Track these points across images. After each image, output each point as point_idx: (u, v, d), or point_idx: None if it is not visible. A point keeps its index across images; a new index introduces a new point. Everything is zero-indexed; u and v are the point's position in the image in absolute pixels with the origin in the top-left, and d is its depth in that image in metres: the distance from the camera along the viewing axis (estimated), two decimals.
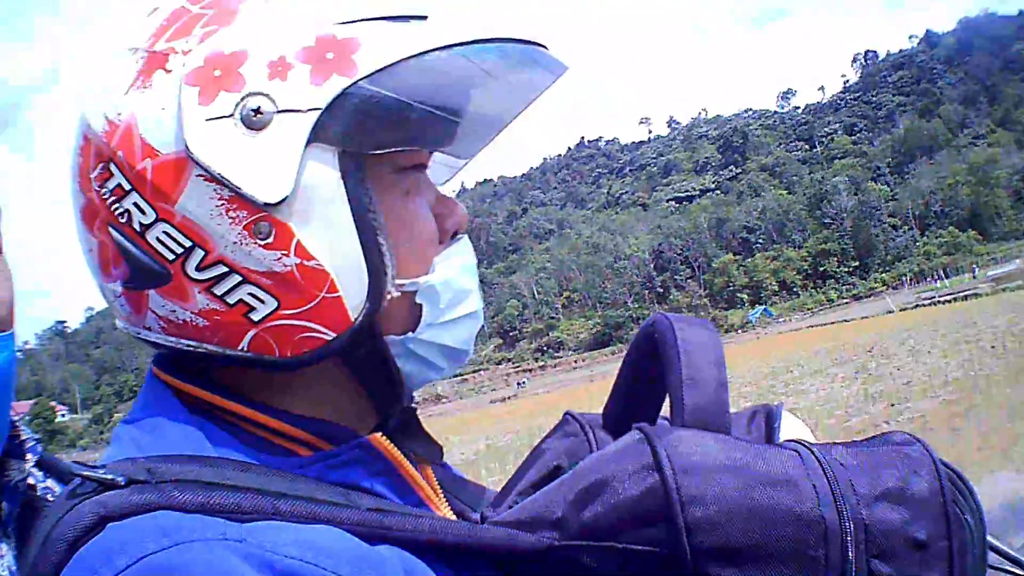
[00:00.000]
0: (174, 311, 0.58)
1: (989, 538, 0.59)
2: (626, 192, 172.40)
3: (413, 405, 0.71)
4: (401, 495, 0.62)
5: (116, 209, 0.56)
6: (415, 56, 0.56)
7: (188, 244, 0.55)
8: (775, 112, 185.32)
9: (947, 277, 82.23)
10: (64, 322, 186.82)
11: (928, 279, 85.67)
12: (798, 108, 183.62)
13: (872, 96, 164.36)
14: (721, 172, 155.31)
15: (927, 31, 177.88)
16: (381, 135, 0.57)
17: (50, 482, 1.03)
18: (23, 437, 1.00)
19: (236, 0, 0.58)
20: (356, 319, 0.58)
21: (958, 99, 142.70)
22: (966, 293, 47.48)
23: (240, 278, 0.56)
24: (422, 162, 0.64)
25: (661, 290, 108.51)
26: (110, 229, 0.57)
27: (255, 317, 0.57)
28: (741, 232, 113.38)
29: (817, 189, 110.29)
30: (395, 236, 0.60)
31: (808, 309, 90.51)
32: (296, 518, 0.52)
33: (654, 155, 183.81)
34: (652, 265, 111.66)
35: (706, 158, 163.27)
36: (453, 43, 0.57)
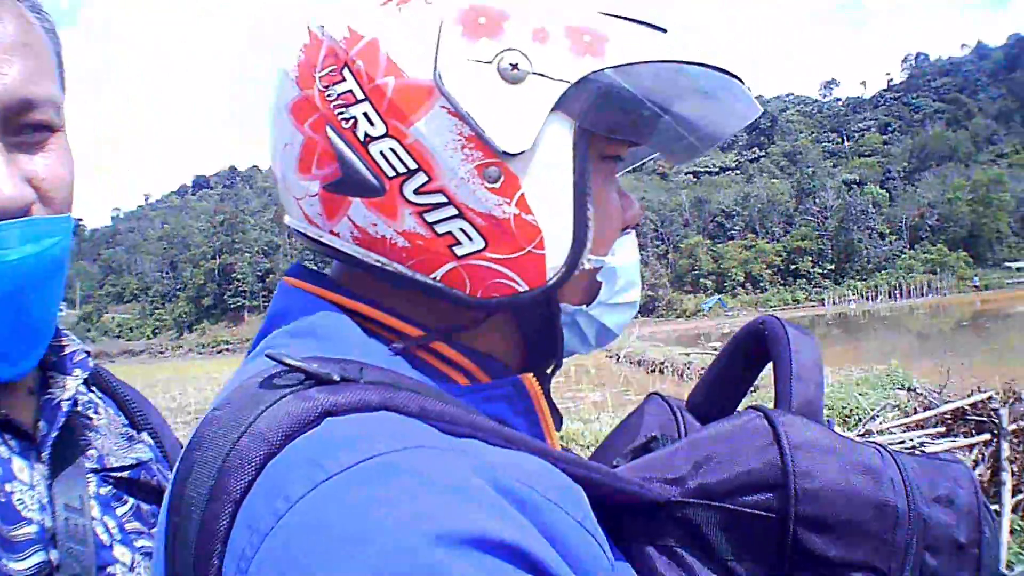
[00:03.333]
0: (375, 224, 0.60)
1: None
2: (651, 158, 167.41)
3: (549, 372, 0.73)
4: (536, 437, 0.63)
5: (341, 113, 0.60)
6: (655, 62, 0.62)
7: (413, 166, 0.59)
8: (815, 100, 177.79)
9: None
10: (80, 220, 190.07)
11: (900, 296, 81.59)
12: (839, 100, 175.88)
13: (912, 98, 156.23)
14: (744, 152, 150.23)
15: (978, 42, 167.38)
16: (613, 121, 0.62)
17: (100, 403, 0.90)
18: (70, 348, 0.85)
19: None
20: (550, 280, 0.62)
21: (993, 114, 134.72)
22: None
23: (456, 212, 0.59)
24: (620, 154, 0.68)
25: None
26: (328, 129, 0.60)
27: (459, 252, 0.60)
28: (719, 216, 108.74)
29: (808, 183, 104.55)
30: (595, 214, 0.64)
31: (771, 306, 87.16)
32: (492, 437, 0.54)
33: None
34: None
35: (734, 136, 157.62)
36: (688, 61, 0.63)
